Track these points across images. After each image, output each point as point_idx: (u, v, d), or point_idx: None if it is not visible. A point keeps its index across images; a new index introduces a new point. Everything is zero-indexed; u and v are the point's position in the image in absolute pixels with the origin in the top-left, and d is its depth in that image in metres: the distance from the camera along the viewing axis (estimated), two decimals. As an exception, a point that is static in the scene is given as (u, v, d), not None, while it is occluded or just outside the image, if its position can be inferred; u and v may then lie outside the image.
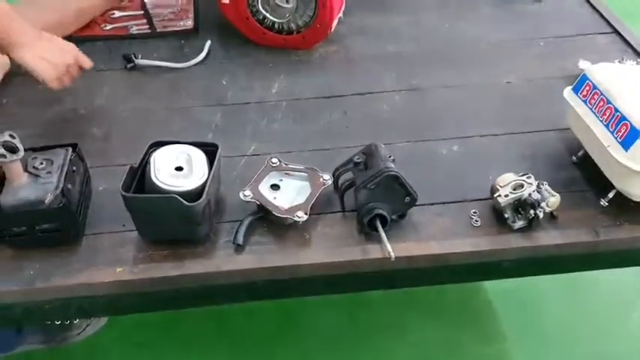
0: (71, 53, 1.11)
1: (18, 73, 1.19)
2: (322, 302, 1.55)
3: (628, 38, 1.36)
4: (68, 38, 1.18)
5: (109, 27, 1.41)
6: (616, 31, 1.39)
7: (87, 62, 1.14)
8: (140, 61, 1.29)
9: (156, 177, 0.89)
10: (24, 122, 1.14)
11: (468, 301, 1.62)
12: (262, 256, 0.91)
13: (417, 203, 0.94)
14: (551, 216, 0.95)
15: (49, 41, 1.09)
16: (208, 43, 1.34)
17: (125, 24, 1.42)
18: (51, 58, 1.08)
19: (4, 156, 0.87)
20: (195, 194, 0.88)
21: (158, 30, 1.40)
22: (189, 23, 1.42)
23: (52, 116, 1.17)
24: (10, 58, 1.10)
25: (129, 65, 1.29)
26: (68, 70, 1.10)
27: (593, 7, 1.49)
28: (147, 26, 1.41)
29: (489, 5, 1.53)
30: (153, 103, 1.21)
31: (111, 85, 1.25)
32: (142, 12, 1.45)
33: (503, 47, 1.37)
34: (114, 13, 1.44)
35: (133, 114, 1.19)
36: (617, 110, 0.94)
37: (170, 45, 1.37)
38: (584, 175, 1.03)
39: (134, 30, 1.40)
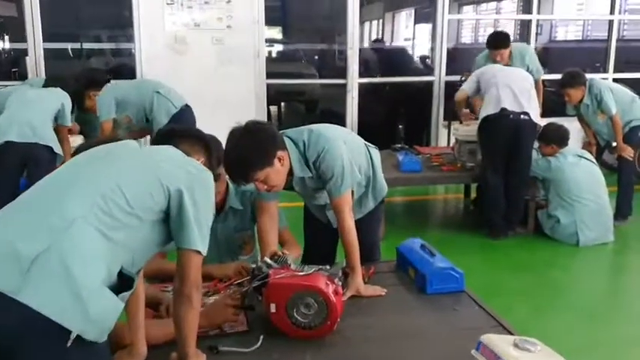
0: None
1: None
2: None
3: (507, 327, 2.32)
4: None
5: (194, 331, 2.27)
6: (501, 325, 2.36)
7: None
8: (222, 348, 2.13)
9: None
10: None
11: None
12: None
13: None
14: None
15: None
16: (262, 337, 2.20)
17: (205, 329, 2.29)
18: None
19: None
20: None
21: (226, 331, 2.28)
22: (244, 327, 2.31)
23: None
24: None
25: (215, 351, 2.12)
26: None
27: (488, 313, 2.48)
28: (219, 330, 2.28)
29: (424, 308, 2.51)
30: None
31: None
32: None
33: (434, 332, 2.30)
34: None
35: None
36: (496, 355, 1.84)
37: (235, 340, 2.22)
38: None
39: (211, 333, 2.27)
